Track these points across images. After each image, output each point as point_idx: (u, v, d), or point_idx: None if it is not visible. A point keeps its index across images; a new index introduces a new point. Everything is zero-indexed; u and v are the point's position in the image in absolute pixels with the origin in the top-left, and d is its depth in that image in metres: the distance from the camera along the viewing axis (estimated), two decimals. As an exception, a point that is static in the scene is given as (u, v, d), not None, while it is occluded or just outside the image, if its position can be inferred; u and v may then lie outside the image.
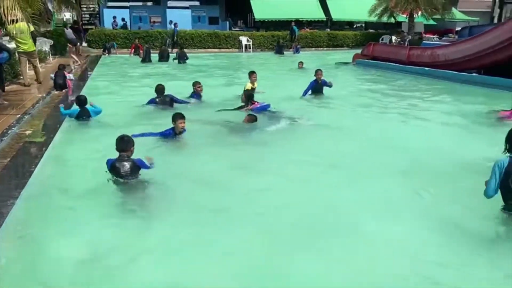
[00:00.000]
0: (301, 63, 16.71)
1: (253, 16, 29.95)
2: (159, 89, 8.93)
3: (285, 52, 24.76)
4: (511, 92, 11.02)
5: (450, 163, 5.65)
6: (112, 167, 4.70)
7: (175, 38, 24.46)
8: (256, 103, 8.38)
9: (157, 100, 8.80)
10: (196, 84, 9.65)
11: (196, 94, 9.54)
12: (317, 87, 10.46)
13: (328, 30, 30.95)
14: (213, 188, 4.83)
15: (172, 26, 25.07)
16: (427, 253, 3.51)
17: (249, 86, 9.98)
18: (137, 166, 4.71)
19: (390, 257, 3.46)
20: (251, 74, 10.23)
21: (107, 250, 3.44)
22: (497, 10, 18.97)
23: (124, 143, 4.74)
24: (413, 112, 9.55)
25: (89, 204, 4.31)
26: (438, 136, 7.33)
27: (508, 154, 3.79)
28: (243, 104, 8.51)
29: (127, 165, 4.68)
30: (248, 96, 8.58)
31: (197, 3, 31.05)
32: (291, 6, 29.61)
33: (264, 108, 8.31)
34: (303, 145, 6.65)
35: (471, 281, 3.16)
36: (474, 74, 13.39)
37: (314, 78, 10.48)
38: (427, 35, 27.57)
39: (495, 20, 17.56)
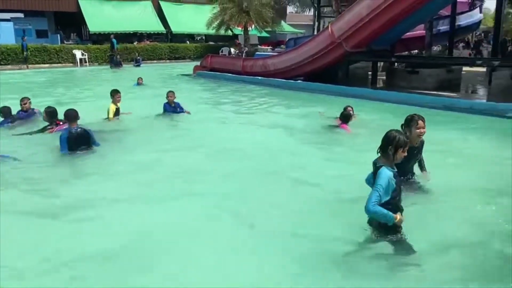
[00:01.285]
0: (140, 78, 15.58)
1: (88, 28, 28.31)
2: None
3: (124, 65, 23.97)
4: (328, 96, 12.65)
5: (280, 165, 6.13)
6: None
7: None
8: (60, 122, 7.27)
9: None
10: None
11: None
12: (170, 110, 9.43)
13: (169, 42, 31.04)
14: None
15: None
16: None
17: (113, 108, 8.66)
18: None
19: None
20: (115, 93, 8.75)
21: None
22: (316, 23, 21.32)
23: None
24: (249, 118, 10.13)
25: None
26: (272, 139, 7.89)
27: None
28: (46, 124, 7.41)
29: None
30: (50, 113, 7.33)
31: (21, 15, 28.11)
32: (129, 18, 28.90)
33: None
34: (138, 157, 6.44)
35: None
36: (299, 81, 14.82)
37: (166, 100, 9.43)
38: (263, 47, 29.66)
39: (315, 32, 19.69)
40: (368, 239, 3.66)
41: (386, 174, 3.40)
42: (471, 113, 9.48)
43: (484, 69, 15.31)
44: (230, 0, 27.29)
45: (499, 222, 4.06)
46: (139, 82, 15.51)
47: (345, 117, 7.82)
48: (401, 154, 3.50)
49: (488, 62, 12.15)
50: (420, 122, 4.33)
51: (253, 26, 28.83)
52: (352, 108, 8.25)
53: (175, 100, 9.47)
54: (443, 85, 13.33)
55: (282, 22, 34.31)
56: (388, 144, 3.48)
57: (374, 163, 3.57)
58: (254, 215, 4.43)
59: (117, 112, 8.80)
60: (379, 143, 3.57)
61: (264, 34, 31.39)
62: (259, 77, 15.85)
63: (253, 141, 7.57)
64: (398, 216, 3.40)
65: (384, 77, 15.66)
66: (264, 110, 11.35)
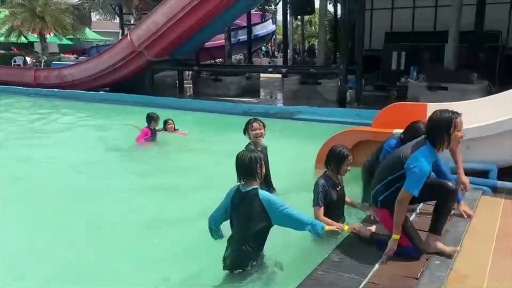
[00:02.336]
0: None
1: None
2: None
3: None
4: (135, 106, 12.02)
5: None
6: None
7: None
8: None
9: None
10: None
11: None
12: None
13: None
14: None
15: None
16: None
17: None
18: None
19: None
20: None
21: None
22: (120, 31, 20.39)
23: None
24: (44, 137, 8.79)
25: None
26: (76, 156, 6.99)
27: None
28: None
29: None
30: None
31: None
32: None
33: None
34: None
35: None
36: (102, 92, 13.81)
37: None
38: (68, 55, 27.00)
39: (120, 40, 18.74)
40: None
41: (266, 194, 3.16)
42: (267, 117, 10.15)
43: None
44: (20, 4, 24.06)
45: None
46: None
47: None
48: (263, 170, 3.21)
49: (278, 69, 13.33)
50: (254, 124, 4.39)
51: (51, 33, 26.03)
52: (172, 121, 7.84)
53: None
54: (244, 92, 14.14)
55: (87, 29, 31.97)
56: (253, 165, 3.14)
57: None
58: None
59: None
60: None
61: (66, 41, 28.67)
62: (55, 89, 14.21)
63: (51, 161, 6.63)
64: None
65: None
66: (64, 125, 10.09)
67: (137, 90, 13.02)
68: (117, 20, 34.13)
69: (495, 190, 4.50)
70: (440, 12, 14.03)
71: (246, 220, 3.08)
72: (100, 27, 37.48)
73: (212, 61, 18.57)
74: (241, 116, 10.43)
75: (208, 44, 16.06)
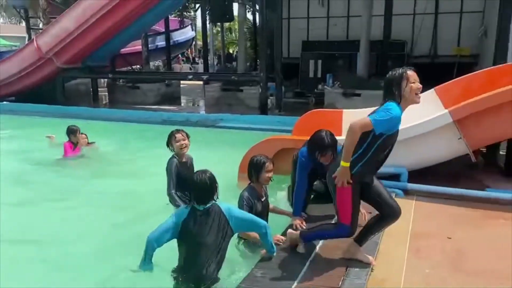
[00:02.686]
0: None
1: None
2: None
3: None
4: (44, 117, 11.10)
5: None
6: None
7: None
8: None
9: None
10: None
11: None
12: None
13: None
14: None
15: None
16: None
17: None
18: None
19: None
20: None
21: None
22: (27, 36, 18.87)
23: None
24: None
25: None
26: None
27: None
28: None
29: None
30: None
31: None
32: None
33: None
34: None
35: None
36: (5, 102, 12.63)
37: None
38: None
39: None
40: None
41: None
42: (188, 125, 9.92)
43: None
44: None
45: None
46: None
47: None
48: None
49: (198, 76, 13.15)
50: (178, 135, 4.29)
51: None
52: (86, 134, 7.25)
53: None
54: (164, 99, 13.76)
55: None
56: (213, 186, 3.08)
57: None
58: None
59: None
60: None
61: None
62: None
63: None
64: None
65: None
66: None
67: (48, 100, 12.09)
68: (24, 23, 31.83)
69: (407, 192, 4.75)
70: (352, 22, 14.78)
71: (213, 238, 2.94)
72: (7, 31, 34.60)
73: (129, 68, 17.87)
74: (161, 125, 10.14)
75: (124, 50, 15.43)
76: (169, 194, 4.28)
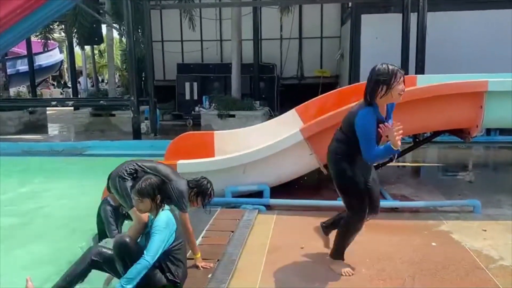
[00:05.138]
0: None
1: None
2: None
3: None
4: None
5: None
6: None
7: None
8: None
9: None
10: None
11: None
12: None
13: None
14: None
15: None
16: None
17: None
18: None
19: None
20: None
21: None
22: None
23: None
24: None
25: None
26: None
27: None
28: None
29: None
30: None
31: None
32: None
33: None
34: None
35: None
36: None
37: None
38: None
39: None
40: None
41: None
42: (52, 155, 9.17)
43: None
44: None
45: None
46: None
47: None
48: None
49: (63, 102, 12.30)
50: None
51: None
52: None
53: None
54: (27, 128, 12.57)
55: None
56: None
57: None
58: None
59: None
60: None
61: None
62: None
63: None
64: None
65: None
66: None
67: None
68: None
69: (269, 208, 4.96)
70: (224, 45, 15.27)
71: None
72: None
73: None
74: (21, 156, 9.21)
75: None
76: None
